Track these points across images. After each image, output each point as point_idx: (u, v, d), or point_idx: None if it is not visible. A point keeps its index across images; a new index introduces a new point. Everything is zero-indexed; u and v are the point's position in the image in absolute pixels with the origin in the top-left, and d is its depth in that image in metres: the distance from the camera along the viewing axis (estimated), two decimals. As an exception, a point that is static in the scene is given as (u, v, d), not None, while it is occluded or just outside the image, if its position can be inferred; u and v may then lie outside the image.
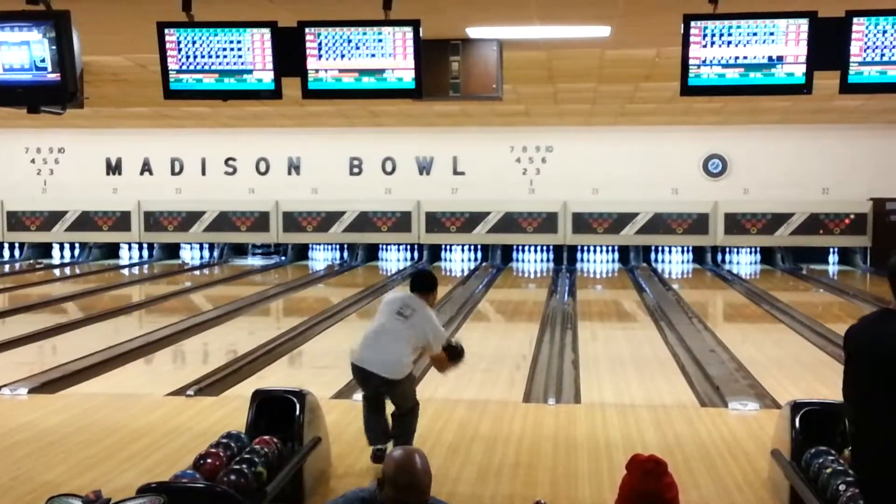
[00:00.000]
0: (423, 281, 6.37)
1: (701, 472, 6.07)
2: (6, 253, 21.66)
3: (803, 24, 5.98)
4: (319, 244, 21.04)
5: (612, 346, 11.18)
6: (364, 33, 6.36)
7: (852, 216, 19.24)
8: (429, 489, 3.32)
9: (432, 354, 6.28)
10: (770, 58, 6.04)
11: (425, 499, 3.31)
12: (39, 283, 17.47)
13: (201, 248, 21.46)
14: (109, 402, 7.93)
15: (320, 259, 21.02)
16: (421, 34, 6.34)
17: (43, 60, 6.14)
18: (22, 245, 21.61)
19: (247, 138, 20.24)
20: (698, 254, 20.20)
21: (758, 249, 20.12)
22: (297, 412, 5.63)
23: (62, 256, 21.52)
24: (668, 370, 9.63)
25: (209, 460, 4.92)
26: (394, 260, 20.67)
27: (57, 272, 19.58)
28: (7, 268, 20.45)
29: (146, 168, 20.93)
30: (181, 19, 6.37)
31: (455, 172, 20.22)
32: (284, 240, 20.76)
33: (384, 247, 20.89)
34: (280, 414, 5.63)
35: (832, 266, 19.85)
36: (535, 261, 20.47)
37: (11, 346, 10.72)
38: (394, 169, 20.37)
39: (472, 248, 20.39)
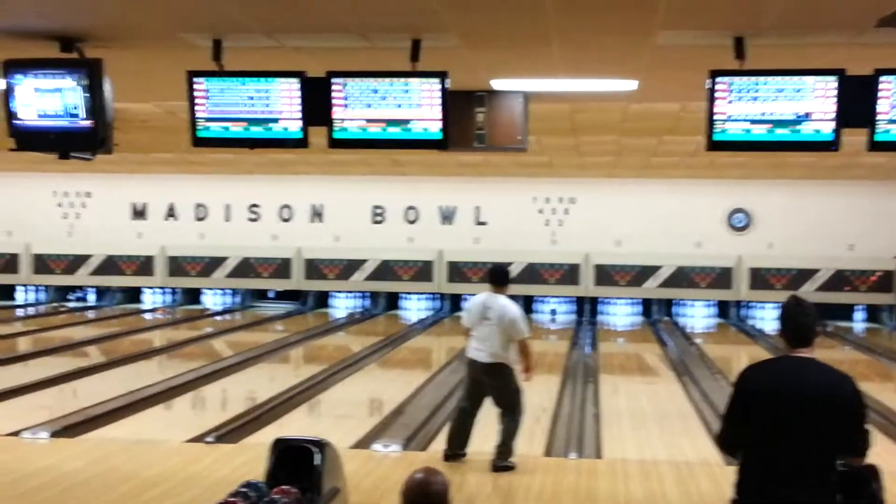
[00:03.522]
0: (497, 275, 7.66)
1: (725, 532, 5.96)
2: (31, 295, 21.80)
3: (831, 81, 5.97)
4: (341, 292, 21.05)
5: (634, 401, 11.07)
6: (391, 84, 6.39)
7: (879, 273, 19.07)
8: None
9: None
10: (797, 114, 6.02)
11: None
12: (62, 326, 17.54)
13: (223, 294, 21.52)
14: (128, 448, 7.90)
15: (341, 307, 21.01)
16: (448, 85, 6.37)
17: (76, 107, 6.23)
18: (46, 288, 21.75)
19: (270, 185, 20.37)
20: (722, 308, 20.06)
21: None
22: (317, 462, 5.58)
23: (85, 298, 21.61)
24: (691, 426, 9.51)
25: (228, 509, 4.87)
26: (415, 309, 20.64)
27: (79, 315, 19.67)
28: (32, 310, 20.57)
29: (171, 213, 21.09)
30: (211, 68, 6.44)
31: (477, 222, 20.25)
32: (306, 287, 20.78)
33: (405, 296, 20.87)
34: (299, 463, 5.58)
35: (858, 323, 19.63)
36: (557, 312, 20.39)
37: (33, 389, 10.74)
38: (416, 218, 20.43)
39: (494, 298, 20.27)
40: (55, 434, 8.43)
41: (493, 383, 7.38)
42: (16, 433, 8.38)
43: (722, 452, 4.03)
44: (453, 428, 7.60)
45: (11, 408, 9.78)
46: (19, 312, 20.19)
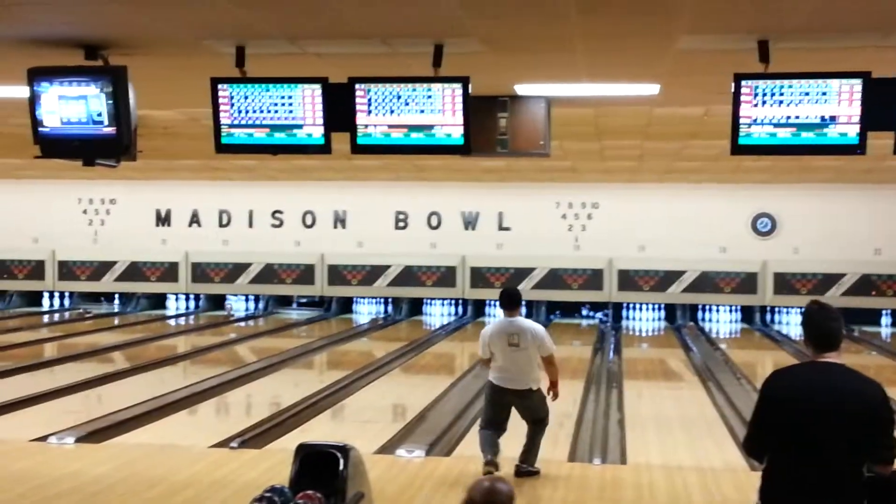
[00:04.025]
0: (512, 299, 7.43)
1: (751, 539, 5.91)
2: (56, 302, 21.97)
3: (857, 84, 5.92)
4: (364, 298, 21.08)
5: (658, 406, 11.00)
6: (413, 89, 6.39)
7: (905, 277, 18.90)
8: None
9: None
10: (823, 118, 5.97)
11: None
12: (87, 333, 17.65)
13: (247, 300, 21.59)
14: (153, 453, 7.93)
15: (364, 313, 21.03)
16: (470, 91, 6.36)
17: (99, 115, 6.27)
18: (71, 294, 21.91)
19: (293, 191, 20.41)
20: (747, 313, 19.92)
21: (808, 310, 19.73)
22: (341, 467, 5.58)
23: (110, 305, 21.77)
24: (716, 432, 9.45)
25: (252, 515, 4.87)
26: (438, 315, 20.62)
27: (104, 321, 19.79)
28: (56, 316, 20.72)
29: (195, 219, 21.18)
30: (234, 75, 6.47)
31: (500, 228, 20.21)
32: (329, 293, 20.81)
33: (428, 301, 20.87)
34: (323, 468, 5.58)
35: (885, 328, 19.43)
36: (581, 317, 20.34)
37: (59, 395, 10.80)
38: (439, 223, 20.42)
39: (517, 303, 20.22)
40: (81, 439, 8.48)
41: (527, 404, 7.35)
42: (42, 438, 8.44)
43: (748, 457, 3.99)
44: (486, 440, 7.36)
45: (37, 413, 9.85)
46: (45, 319, 20.34)
